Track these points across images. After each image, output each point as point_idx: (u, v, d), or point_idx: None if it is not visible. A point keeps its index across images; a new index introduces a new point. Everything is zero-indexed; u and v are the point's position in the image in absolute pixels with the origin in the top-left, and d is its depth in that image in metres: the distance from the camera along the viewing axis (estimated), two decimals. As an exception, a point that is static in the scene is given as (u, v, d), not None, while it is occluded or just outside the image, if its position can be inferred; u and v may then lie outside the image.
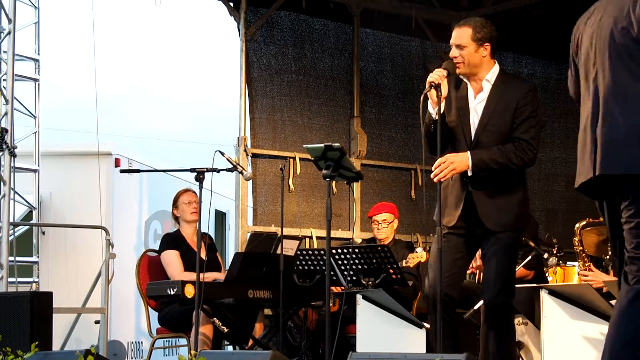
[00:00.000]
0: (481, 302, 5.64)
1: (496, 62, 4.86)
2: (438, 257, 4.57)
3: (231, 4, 8.35)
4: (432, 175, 4.69)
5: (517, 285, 5.77)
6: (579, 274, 5.88)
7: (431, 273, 4.80)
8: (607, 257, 5.94)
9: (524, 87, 4.84)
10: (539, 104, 4.92)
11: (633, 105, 3.27)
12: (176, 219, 6.75)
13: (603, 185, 3.42)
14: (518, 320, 5.80)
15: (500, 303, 4.74)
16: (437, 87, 4.65)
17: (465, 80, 4.88)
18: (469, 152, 4.72)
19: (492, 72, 4.84)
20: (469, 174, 4.73)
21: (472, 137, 4.80)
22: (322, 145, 5.07)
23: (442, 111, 4.69)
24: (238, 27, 8.34)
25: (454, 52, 4.79)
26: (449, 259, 4.73)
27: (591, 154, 3.37)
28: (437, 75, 4.67)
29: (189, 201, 6.65)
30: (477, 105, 4.83)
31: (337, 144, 5.04)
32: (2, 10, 7.03)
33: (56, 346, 6.74)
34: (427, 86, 4.66)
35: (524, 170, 4.87)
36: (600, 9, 3.48)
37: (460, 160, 4.69)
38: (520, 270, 6.16)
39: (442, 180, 4.68)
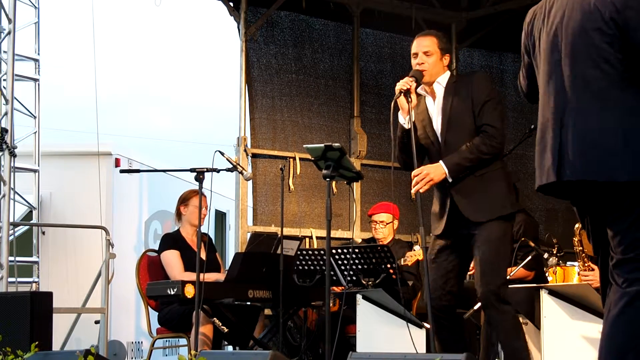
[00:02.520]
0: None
1: (448, 70, 5.00)
2: (430, 267, 4.69)
3: (231, 4, 8.35)
4: (412, 186, 4.78)
5: (517, 285, 5.79)
6: (579, 274, 5.88)
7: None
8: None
9: (473, 76, 4.98)
10: (493, 86, 5.00)
11: (610, 109, 3.19)
12: (179, 215, 6.71)
13: (575, 189, 3.34)
14: (518, 320, 5.81)
15: (493, 294, 4.70)
16: (407, 93, 4.76)
17: (422, 93, 4.97)
18: (440, 161, 4.78)
19: (443, 77, 4.95)
20: (450, 180, 4.78)
21: (440, 140, 4.87)
22: (322, 145, 5.08)
23: (413, 119, 4.78)
24: (238, 27, 8.34)
25: (420, 59, 4.89)
26: (440, 272, 4.83)
27: (553, 157, 3.28)
28: (405, 81, 4.78)
29: (202, 206, 6.59)
30: (436, 110, 4.93)
31: (337, 144, 5.06)
32: (2, 10, 7.03)
33: (56, 346, 6.74)
34: (396, 93, 4.76)
35: (497, 156, 4.87)
36: (560, 4, 3.37)
37: (435, 170, 4.76)
38: (520, 270, 6.16)
39: (420, 191, 4.74)
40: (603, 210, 3.31)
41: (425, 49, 4.89)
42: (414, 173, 4.76)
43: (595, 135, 3.21)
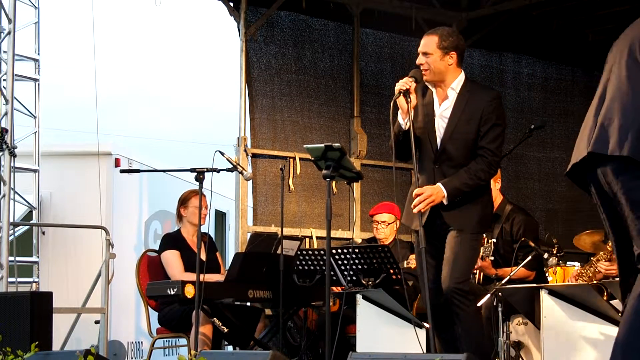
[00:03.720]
0: (481, 301, 5.66)
1: (462, 72, 4.99)
2: (424, 259, 4.78)
3: (231, 4, 8.35)
4: (412, 206, 4.86)
5: (517, 285, 5.80)
6: (602, 268, 5.82)
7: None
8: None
9: (489, 96, 4.97)
10: (503, 110, 5.08)
11: (634, 95, 3.35)
12: (180, 217, 6.72)
13: (594, 171, 3.46)
14: (518, 320, 5.81)
15: (458, 289, 4.82)
16: (407, 93, 4.79)
17: (430, 87, 5.00)
18: (440, 184, 4.87)
19: (457, 81, 4.96)
20: (445, 203, 4.88)
21: (438, 146, 4.93)
22: (322, 145, 5.08)
23: (411, 120, 4.81)
24: (238, 27, 8.34)
25: (420, 60, 4.92)
26: (430, 273, 4.93)
27: (590, 134, 3.43)
28: (405, 81, 4.80)
29: (202, 206, 6.59)
30: (442, 112, 4.96)
31: (337, 144, 5.06)
32: (2, 10, 7.03)
33: (56, 346, 6.74)
34: (396, 93, 4.79)
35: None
36: (629, 30, 3.59)
37: (437, 192, 4.85)
38: (520, 270, 6.15)
39: (422, 210, 4.83)
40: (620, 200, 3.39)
41: (423, 50, 4.91)
42: (416, 192, 4.85)
43: (618, 116, 3.35)
